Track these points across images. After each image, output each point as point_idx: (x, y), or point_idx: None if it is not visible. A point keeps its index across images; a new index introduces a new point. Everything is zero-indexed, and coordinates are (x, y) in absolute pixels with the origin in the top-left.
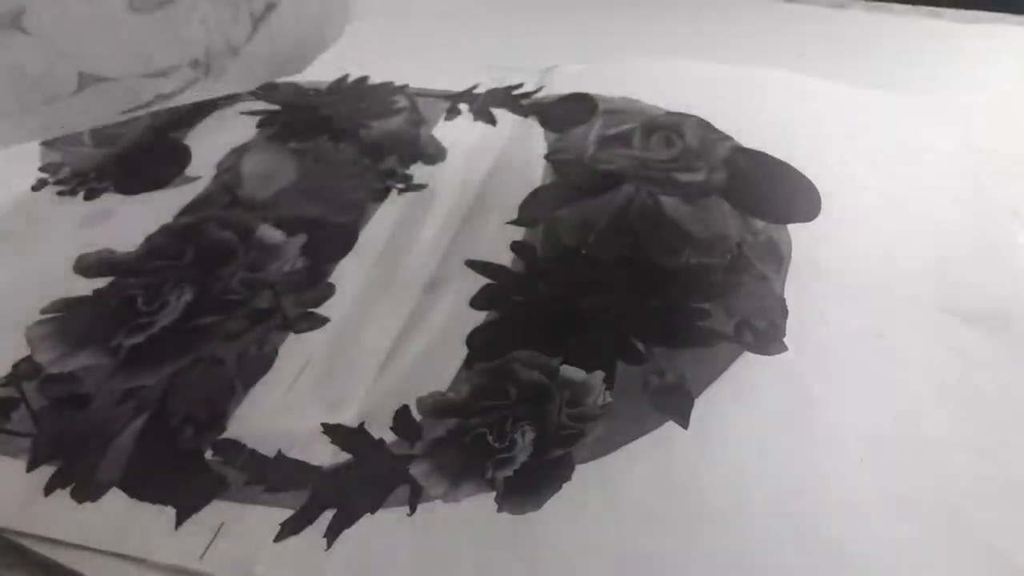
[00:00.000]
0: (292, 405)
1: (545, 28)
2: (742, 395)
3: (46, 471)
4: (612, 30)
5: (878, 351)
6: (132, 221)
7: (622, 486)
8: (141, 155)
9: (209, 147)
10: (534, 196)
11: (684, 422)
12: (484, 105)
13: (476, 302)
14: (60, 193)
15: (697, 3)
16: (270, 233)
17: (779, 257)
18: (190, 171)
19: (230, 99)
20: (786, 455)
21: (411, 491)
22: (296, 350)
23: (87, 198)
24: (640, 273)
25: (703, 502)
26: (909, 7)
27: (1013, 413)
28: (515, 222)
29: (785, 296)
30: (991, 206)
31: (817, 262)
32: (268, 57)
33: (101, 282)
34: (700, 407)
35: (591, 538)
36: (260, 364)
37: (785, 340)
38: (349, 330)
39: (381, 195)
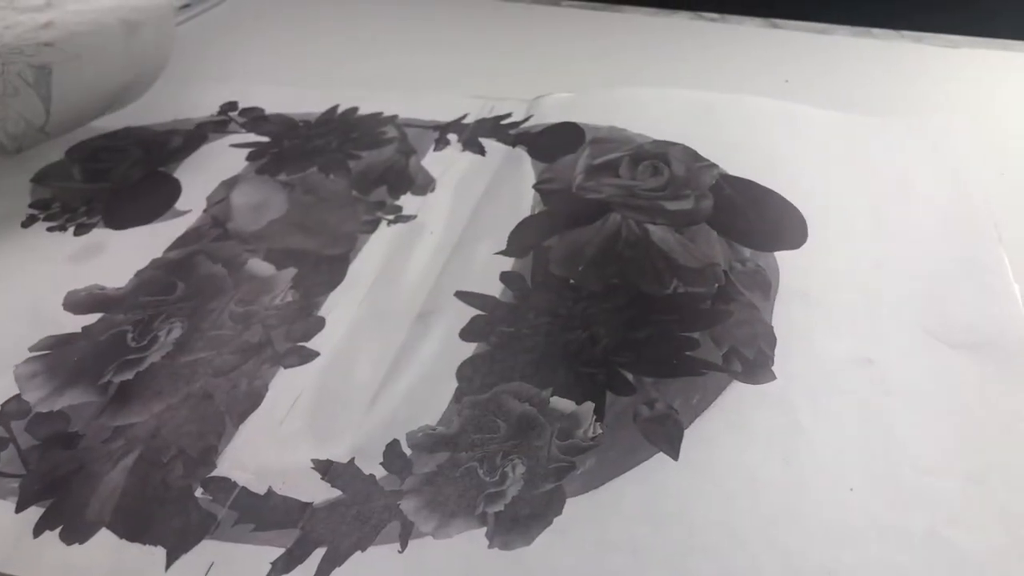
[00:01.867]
0: (283, 441)
1: (533, 57)
2: (732, 425)
3: (35, 512)
4: (599, 59)
5: (867, 377)
6: (122, 256)
7: (613, 519)
8: (131, 189)
9: (199, 180)
10: (523, 226)
11: (674, 453)
12: (473, 135)
13: (466, 333)
14: (50, 229)
15: (683, 30)
16: (260, 266)
17: (767, 284)
18: (180, 205)
19: (220, 131)
20: (777, 484)
21: (402, 527)
22: (286, 385)
23: (77, 233)
24: (628, 302)
25: (694, 533)
26: (893, 32)
27: (1001, 438)
28: (504, 252)
29: (773, 324)
30: (976, 230)
31: (805, 289)
32: (82, 116)
33: (91, 318)
34: (690, 437)
35: (582, 573)
36: (250, 400)
37: (774, 368)
38: (339, 364)
39: (371, 227)
